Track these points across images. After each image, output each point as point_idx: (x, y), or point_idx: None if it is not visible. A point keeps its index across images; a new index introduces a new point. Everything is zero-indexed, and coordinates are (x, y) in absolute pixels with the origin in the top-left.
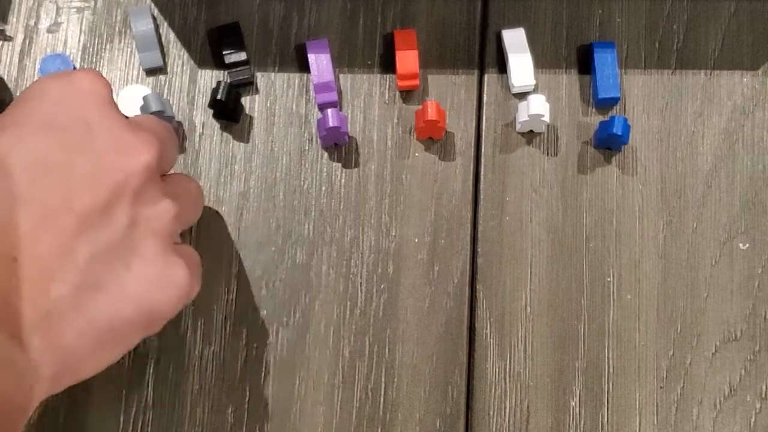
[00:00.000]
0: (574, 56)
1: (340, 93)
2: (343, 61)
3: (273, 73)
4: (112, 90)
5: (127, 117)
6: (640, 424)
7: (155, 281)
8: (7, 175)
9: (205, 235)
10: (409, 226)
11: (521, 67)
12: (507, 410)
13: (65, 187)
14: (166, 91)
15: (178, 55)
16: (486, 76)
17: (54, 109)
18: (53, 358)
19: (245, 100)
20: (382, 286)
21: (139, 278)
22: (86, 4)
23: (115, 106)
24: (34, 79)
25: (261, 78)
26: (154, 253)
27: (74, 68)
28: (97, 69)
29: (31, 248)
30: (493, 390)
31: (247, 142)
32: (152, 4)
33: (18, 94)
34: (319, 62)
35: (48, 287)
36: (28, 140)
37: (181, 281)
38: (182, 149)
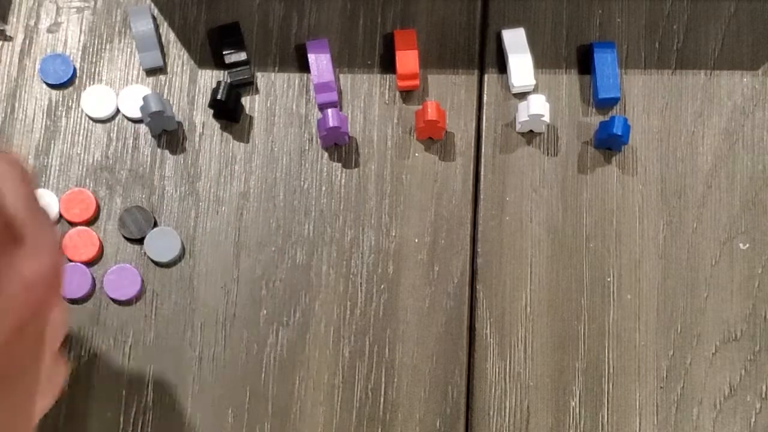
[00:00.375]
0: (574, 56)
1: (340, 93)
2: (343, 61)
3: (273, 73)
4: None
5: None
6: (640, 424)
7: (48, 404)
8: None
9: (205, 235)
10: (409, 226)
11: (521, 67)
12: (507, 410)
13: None
14: (166, 91)
15: (178, 55)
16: (486, 76)
17: None
18: None
19: (245, 100)
20: (382, 286)
21: (37, 411)
22: (86, 4)
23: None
24: (34, 79)
25: (261, 78)
26: (44, 378)
27: (74, 69)
28: (97, 69)
29: None
30: (493, 390)
31: (247, 142)
32: (152, 4)
33: (19, 94)
34: (319, 62)
35: None
36: None
37: (61, 384)
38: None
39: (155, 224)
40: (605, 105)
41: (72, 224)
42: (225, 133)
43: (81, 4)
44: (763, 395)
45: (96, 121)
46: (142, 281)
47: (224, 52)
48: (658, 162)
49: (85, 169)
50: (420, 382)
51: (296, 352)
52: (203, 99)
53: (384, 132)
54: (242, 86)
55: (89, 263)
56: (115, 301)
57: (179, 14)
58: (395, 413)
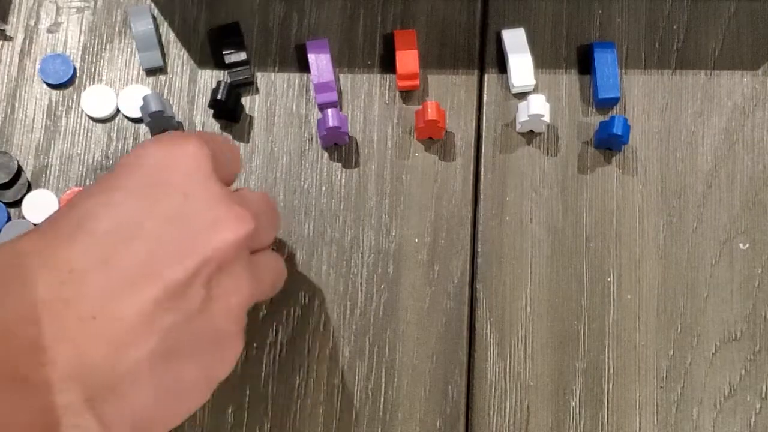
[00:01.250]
0: (574, 56)
1: (340, 93)
2: (343, 61)
3: (273, 73)
4: (213, 158)
5: (228, 188)
6: (640, 424)
7: (220, 350)
8: (94, 235)
9: None
10: (409, 226)
11: (521, 67)
12: (507, 410)
13: (152, 255)
14: (166, 91)
15: (178, 55)
16: (486, 76)
17: (152, 174)
18: (125, 422)
19: (245, 100)
20: (382, 286)
21: (207, 347)
22: (86, 4)
23: (214, 176)
24: (34, 79)
25: (261, 78)
26: (223, 326)
27: (74, 69)
28: (97, 69)
29: (112, 310)
30: (493, 390)
31: (247, 142)
32: (152, 4)
33: (19, 94)
34: (319, 62)
35: (126, 351)
36: (122, 204)
37: (236, 354)
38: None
39: None
40: (605, 105)
41: None
42: (225, 133)
43: (81, 4)
44: (763, 395)
45: (96, 121)
46: None
47: (224, 52)
48: (658, 162)
49: (85, 169)
50: (420, 382)
51: (296, 352)
52: (203, 99)
53: (384, 132)
54: (242, 86)
55: None
56: None
57: (179, 14)
58: (395, 413)
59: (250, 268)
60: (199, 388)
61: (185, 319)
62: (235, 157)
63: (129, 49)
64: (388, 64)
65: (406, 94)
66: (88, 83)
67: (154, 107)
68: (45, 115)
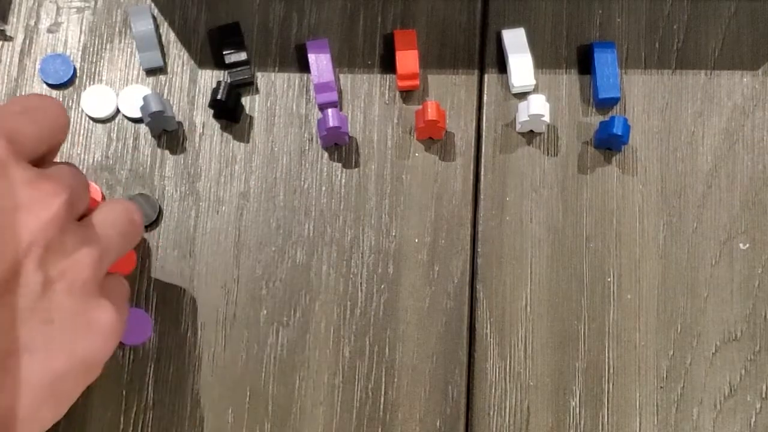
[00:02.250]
0: (574, 56)
1: (340, 93)
2: (343, 61)
3: (273, 73)
4: (11, 140)
5: (33, 168)
6: (640, 424)
7: (80, 330)
8: None
9: (205, 235)
10: (409, 226)
11: (521, 67)
12: (507, 410)
13: None
14: (166, 91)
15: (178, 55)
16: (486, 76)
17: None
18: None
19: (245, 100)
20: (382, 286)
21: (63, 330)
22: (86, 4)
23: (17, 161)
24: (34, 79)
25: (261, 78)
26: (74, 304)
27: (74, 69)
28: (97, 69)
29: None
30: (493, 390)
31: (247, 142)
32: (152, 4)
33: (19, 94)
34: (319, 62)
35: None
36: None
37: (106, 324)
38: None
39: (160, 210)
40: (605, 105)
41: None
42: (225, 133)
43: (81, 4)
44: (763, 395)
45: (96, 121)
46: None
47: (224, 52)
48: (658, 162)
49: (85, 169)
50: (420, 382)
51: (296, 352)
52: (203, 99)
53: (384, 132)
54: (242, 86)
55: None
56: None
57: (179, 14)
58: (395, 413)
59: (84, 235)
60: (72, 376)
61: (26, 311)
62: (56, 125)
63: (129, 49)
64: (388, 64)
65: (406, 94)
66: (88, 83)
67: (154, 107)
68: None
